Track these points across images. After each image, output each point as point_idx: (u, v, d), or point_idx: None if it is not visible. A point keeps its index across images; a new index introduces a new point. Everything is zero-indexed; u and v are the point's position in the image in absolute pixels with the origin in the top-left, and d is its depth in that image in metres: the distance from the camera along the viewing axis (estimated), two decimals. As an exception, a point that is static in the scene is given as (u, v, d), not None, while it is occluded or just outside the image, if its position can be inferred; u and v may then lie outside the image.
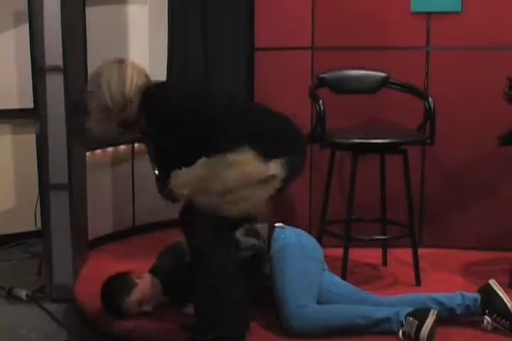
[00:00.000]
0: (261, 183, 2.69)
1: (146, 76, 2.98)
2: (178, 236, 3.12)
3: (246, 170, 2.66)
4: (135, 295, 3.13)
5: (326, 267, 3.27)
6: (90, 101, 2.89)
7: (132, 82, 2.89)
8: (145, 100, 2.87)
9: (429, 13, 4.01)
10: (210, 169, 2.70)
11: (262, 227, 3.25)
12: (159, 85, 2.99)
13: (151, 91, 2.89)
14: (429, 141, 3.55)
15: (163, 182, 2.94)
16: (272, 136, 2.84)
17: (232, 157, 2.67)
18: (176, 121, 2.82)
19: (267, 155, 2.70)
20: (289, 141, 2.91)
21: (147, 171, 4.47)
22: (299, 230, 3.35)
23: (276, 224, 3.31)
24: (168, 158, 2.97)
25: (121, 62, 2.96)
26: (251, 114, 2.96)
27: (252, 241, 3.20)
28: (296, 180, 2.95)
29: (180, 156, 2.85)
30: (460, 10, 3.98)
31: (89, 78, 3.09)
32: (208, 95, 3.05)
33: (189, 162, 2.77)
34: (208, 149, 2.74)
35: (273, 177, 2.70)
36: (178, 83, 3.66)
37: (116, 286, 3.17)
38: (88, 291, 3.40)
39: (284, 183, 2.76)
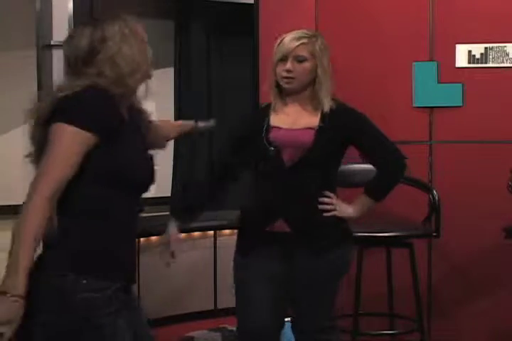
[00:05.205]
0: None
1: None
2: (185, 332, 3.08)
3: None
4: None
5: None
6: None
7: None
8: None
9: (431, 108, 4.09)
10: None
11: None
12: None
13: None
14: (435, 234, 3.55)
15: None
16: None
17: None
18: None
19: None
20: None
21: (153, 265, 4.48)
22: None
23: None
24: None
25: None
26: None
27: None
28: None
29: None
30: (461, 104, 4.06)
31: None
32: None
33: None
34: None
35: None
36: None
37: None
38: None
39: None
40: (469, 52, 4.04)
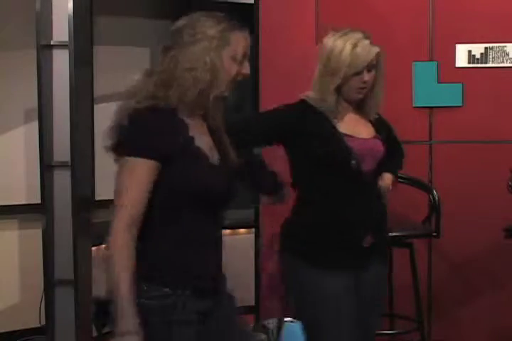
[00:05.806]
0: None
1: None
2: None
3: None
4: None
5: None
6: None
7: None
8: None
9: (431, 108, 4.09)
10: None
11: (271, 322, 3.23)
12: None
13: None
14: (435, 234, 3.55)
15: None
16: None
17: None
18: None
19: None
20: None
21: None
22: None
23: (286, 319, 3.29)
24: None
25: None
26: None
27: (261, 336, 3.19)
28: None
29: None
30: (461, 104, 4.06)
31: None
32: None
33: None
34: None
35: None
36: None
37: None
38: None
39: None
40: (469, 52, 4.05)
